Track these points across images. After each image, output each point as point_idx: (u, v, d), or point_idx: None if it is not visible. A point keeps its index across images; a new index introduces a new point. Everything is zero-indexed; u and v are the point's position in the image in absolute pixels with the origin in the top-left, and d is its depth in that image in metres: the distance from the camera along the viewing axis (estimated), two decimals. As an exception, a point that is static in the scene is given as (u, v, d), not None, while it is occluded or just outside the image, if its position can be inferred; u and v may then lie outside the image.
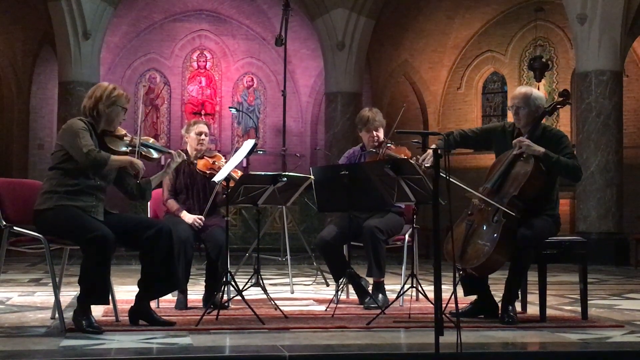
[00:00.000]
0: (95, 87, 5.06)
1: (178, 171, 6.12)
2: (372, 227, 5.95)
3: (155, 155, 5.12)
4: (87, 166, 4.79)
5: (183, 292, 5.84)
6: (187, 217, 6.03)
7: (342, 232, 6.06)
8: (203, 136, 6.15)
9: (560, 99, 5.54)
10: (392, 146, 6.24)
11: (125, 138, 5.05)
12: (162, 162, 5.82)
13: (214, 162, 6.08)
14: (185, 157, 5.41)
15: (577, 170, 5.36)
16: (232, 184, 5.72)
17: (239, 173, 6.02)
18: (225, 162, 5.98)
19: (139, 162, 4.95)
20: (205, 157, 6.15)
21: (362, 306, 6.00)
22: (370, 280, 6.19)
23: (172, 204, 6.11)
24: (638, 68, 17.66)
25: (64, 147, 4.85)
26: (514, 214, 5.16)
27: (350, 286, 6.46)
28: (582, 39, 13.37)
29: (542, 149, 5.25)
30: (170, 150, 5.27)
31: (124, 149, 5.00)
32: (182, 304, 5.82)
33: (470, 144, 5.73)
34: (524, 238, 5.15)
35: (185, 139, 6.25)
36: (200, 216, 6.01)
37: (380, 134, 6.32)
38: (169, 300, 6.11)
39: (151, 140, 5.20)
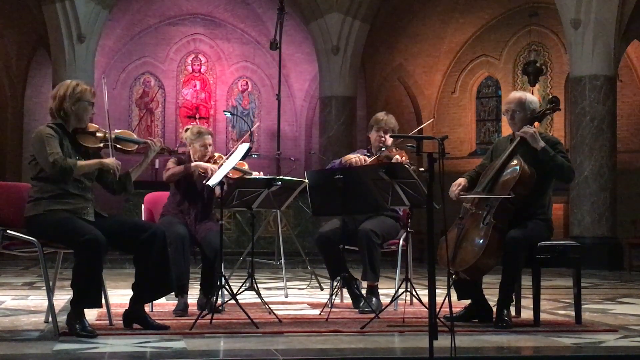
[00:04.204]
0: (59, 86, 4.99)
1: None
2: (368, 230, 5.95)
3: (132, 147, 5.07)
4: (54, 175, 4.75)
5: (182, 291, 5.76)
6: (203, 164, 5.94)
7: (343, 229, 5.99)
8: (208, 147, 6.15)
9: (550, 105, 5.61)
10: (393, 149, 6.26)
11: (98, 134, 4.99)
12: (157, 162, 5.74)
13: (215, 161, 6.07)
14: (164, 146, 5.36)
15: (571, 172, 5.41)
16: (235, 175, 5.73)
17: (245, 165, 6.04)
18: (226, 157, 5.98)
19: (110, 162, 4.87)
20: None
21: (356, 310, 5.99)
22: (364, 283, 6.18)
23: (174, 168, 5.98)
24: (632, 73, 17.72)
25: (35, 157, 4.83)
26: (509, 197, 5.19)
27: (344, 290, 6.46)
28: (576, 43, 13.41)
29: (542, 143, 5.31)
30: (147, 140, 5.16)
31: (98, 144, 4.96)
32: (181, 308, 5.75)
33: None
34: (513, 239, 5.17)
35: (189, 146, 6.22)
36: (215, 166, 5.86)
37: (388, 138, 6.32)
38: (163, 304, 6.10)
39: (126, 132, 5.12)
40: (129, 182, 5.08)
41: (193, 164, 5.98)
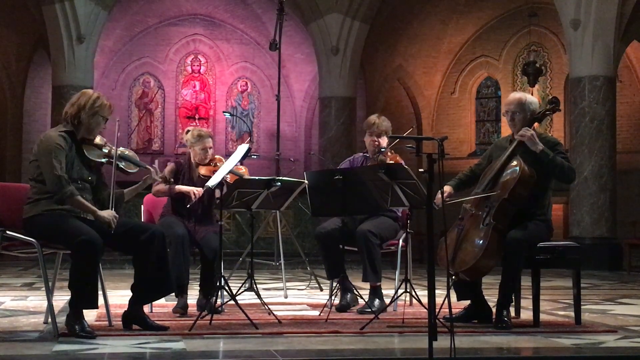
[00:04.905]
0: (80, 93, 4.99)
1: (178, 175, 6.11)
2: (366, 231, 5.94)
3: (133, 169, 5.07)
4: (51, 189, 4.74)
5: (182, 291, 5.78)
6: (185, 188, 5.99)
7: (342, 229, 5.96)
8: (208, 150, 6.16)
9: (550, 106, 5.61)
10: (388, 153, 6.25)
11: (104, 148, 4.99)
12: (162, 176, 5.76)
13: (215, 165, 6.08)
14: (162, 176, 5.39)
15: (571, 172, 5.41)
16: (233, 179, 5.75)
17: (243, 170, 6.05)
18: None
19: (106, 216, 4.79)
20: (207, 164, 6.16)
21: (355, 311, 5.99)
22: (365, 284, 6.18)
23: (161, 185, 6.01)
24: (631, 73, 17.71)
25: (38, 161, 4.82)
26: (500, 196, 5.20)
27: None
28: (575, 44, 13.40)
29: (541, 146, 5.32)
30: (148, 166, 5.18)
31: (101, 159, 4.96)
32: (180, 306, 5.77)
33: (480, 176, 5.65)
34: (514, 240, 5.18)
35: (189, 148, 6.22)
36: (199, 189, 5.92)
37: (382, 141, 6.31)
38: (162, 304, 6.10)
39: (131, 153, 5.12)
40: (121, 203, 5.08)
41: (176, 187, 6.01)
